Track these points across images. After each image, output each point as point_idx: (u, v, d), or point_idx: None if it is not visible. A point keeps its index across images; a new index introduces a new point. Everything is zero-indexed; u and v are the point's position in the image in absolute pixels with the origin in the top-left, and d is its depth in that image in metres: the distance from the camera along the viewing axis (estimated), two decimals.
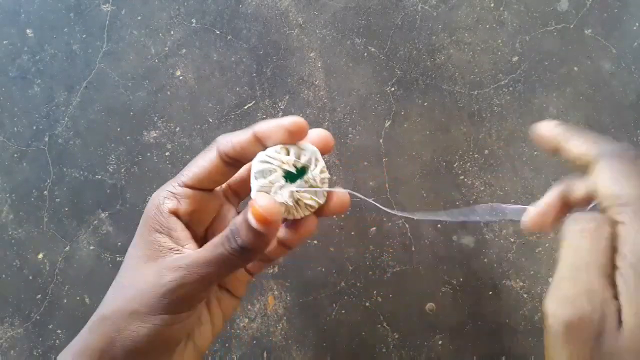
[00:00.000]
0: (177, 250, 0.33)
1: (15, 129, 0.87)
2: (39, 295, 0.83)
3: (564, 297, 0.25)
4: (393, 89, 0.82)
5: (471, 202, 0.81)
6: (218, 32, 0.86)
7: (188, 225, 0.35)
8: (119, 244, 0.83)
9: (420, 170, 0.81)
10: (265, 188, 0.34)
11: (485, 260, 0.78)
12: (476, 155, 0.80)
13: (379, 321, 0.79)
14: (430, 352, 0.77)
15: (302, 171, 0.35)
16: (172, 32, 0.86)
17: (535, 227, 0.34)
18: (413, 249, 0.79)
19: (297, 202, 0.34)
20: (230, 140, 0.34)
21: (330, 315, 0.79)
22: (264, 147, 0.34)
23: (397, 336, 0.78)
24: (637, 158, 0.28)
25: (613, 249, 0.26)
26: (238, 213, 0.41)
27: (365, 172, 0.81)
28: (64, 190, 0.85)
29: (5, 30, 0.89)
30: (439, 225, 0.80)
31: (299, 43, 0.84)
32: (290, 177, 0.34)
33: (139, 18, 0.87)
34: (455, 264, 0.79)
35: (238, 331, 0.80)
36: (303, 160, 0.34)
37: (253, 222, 0.30)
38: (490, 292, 0.78)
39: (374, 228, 0.80)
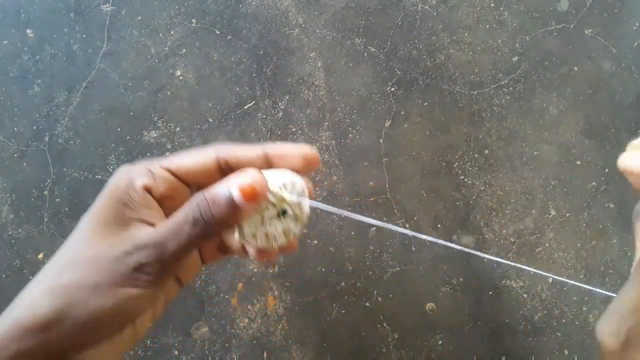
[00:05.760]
0: (148, 223, 0.31)
1: (15, 129, 0.86)
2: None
3: (612, 332, 0.26)
4: (393, 89, 0.82)
5: (471, 202, 0.81)
6: (218, 32, 0.86)
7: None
8: None
9: (420, 170, 0.81)
10: (250, 221, 0.34)
11: (485, 260, 0.78)
12: (476, 155, 0.80)
13: (379, 321, 0.79)
14: (430, 352, 0.77)
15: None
16: (172, 32, 0.86)
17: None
18: (413, 249, 0.79)
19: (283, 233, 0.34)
20: (236, 154, 0.33)
21: (330, 315, 0.79)
22: (269, 166, 0.35)
23: (397, 336, 0.78)
24: None
25: None
26: None
27: (365, 172, 0.81)
28: (64, 190, 0.85)
29: (5, 30, 0.89)
30: (438, 225, 0.80)
31: (299, 43, 0.84)
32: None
33: (139, 18, 0.87)
34: (455, 264, 0.79)
35: (238, 331, 0.80)
36: (290, 192, 0.34)
37: (235, 194, 0.29)
38: (490, 292, 0.78)
39: (374, 228, 0.80)
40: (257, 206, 0.31)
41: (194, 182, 0.34)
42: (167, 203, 0.33)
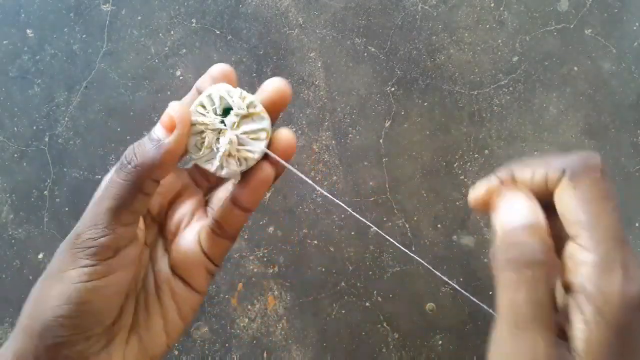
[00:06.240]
0: None
1: (15, 129, 0.86)
2: None
3: None
4: (393, 89, 0.82)
5: None
6: (218, 32, 0.86)
7: None
8: None
9: (420, 170, 0.81)
10: (207, 157, 0.31)
11: (485, 260, 0.78)
12: (476, 155, 0.80)
13: (379, 321, 0.79)
14: (430, 352, 0.77)
15: (227, 113, 0.31)
16: (172, 32, 0.86)
17: (479, 207, 0.29)
18: (413, 249, 0.79)
19: (238, 145, 0.31)
20: (181, 106, 0.30)
21: (330, 315, 0.79)
22: None
23: (397, 336, 0.78)
24: (595, 171, 0.24)
25: (553, 292, 0.23)
26: (205, 200, 0.37)
27: (365, 172, 0.81)
28: (64, 190, 0.85)
29: (5, 30, 0.89)
30: (438, 225, 0.80)
31: (299, 43, 0.84)
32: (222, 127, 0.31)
33: (139, 18, 0.87)
34: (455, 264, 0.79)
35: (238, 331, 0.80)
36: (218, 104, 0.31)
37: (158, 130, 0.28)
38: (490, 292, 0.78)
39: (374, 228, 0.80)
40: (181, 135, 0.28)
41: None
42: (157, 192, 0.32)
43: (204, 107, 0.31)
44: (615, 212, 0.23)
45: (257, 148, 0.31)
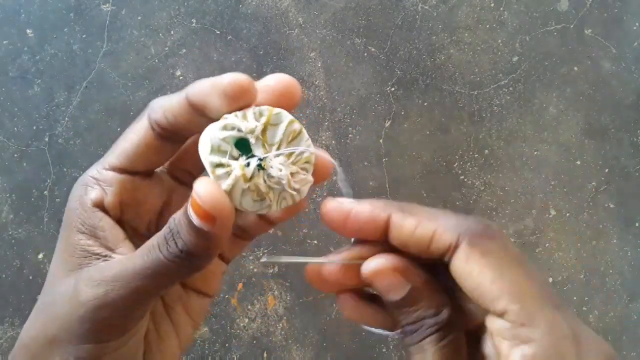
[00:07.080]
0: (105, 256, 0.24)
1: (15, 129, 0.86)
2: (39, 295, 0.83)
3: None
4: (393, 89, 0.82)
5: (471, 202, 0.80)
6: (218, 32, 0.86)
7: (121, 222, 0.26)
8: None
9: (420, 170, 0.81)
10: (276, 201, 0.25)
11: None
12: (476, 155, 0.80)
13: None
14: None
15: (243, 146, 0.25)
16: (172, 32, 0.86)
17: (316, 283, 0.24)
18: None
19: (289, 159, 0.25)
20: (162, 106, 0.24)
21: (330, 315, 0.79)
22: (205, 117, 0.24)
23: (397, 336, 0.78)
24: (499, 237, 0.22)
25: None
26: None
27: (365, 172, 0.81)
28: (64, 190, 0.85)
29: (5, 30, 0.89)
30: None
31: (299, 43, 0.84)
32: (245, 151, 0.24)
33: (139, 18, 0.87)
34: None
35: (238, 331, 0.80)
36: (228, 148, 0.24)
37: (195, 219, 0.22)
38: None
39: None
40: (227, 224, 0.23)
41: (145, 167, 0.26)
42: (128, 209, 0.26)
43: (222, 165, 0.24)
44: (539, 276, 0.21)
45: (305, 145, 0.26)
